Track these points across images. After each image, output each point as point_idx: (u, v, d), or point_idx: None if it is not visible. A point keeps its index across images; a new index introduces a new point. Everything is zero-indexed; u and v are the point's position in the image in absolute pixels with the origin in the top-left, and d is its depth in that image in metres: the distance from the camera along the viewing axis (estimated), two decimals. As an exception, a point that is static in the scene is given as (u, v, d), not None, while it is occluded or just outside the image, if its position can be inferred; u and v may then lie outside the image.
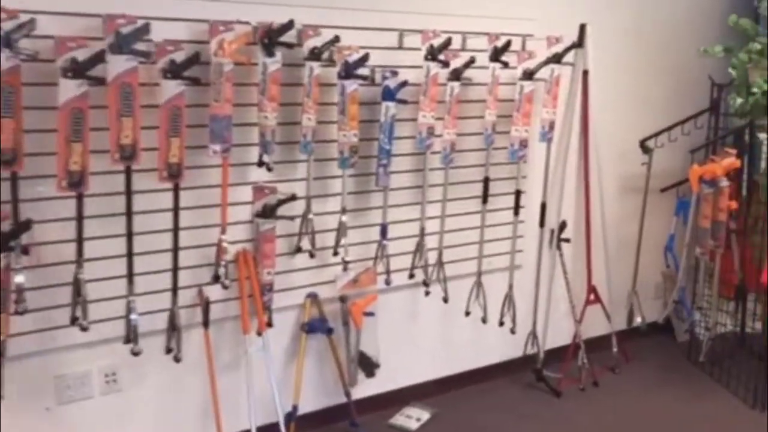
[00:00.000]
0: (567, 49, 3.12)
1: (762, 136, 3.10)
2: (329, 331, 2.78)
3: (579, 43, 3.41)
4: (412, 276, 2.98)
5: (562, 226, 3.47)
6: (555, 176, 3.48)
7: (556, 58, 3.09)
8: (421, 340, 3.22)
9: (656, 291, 3.94)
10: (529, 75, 3.01)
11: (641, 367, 3.69)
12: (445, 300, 3.06)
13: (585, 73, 3.45)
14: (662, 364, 3.72)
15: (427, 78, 2.76)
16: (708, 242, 3.19)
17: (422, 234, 2.95)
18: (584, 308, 3.57)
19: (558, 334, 3.57)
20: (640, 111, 3.72)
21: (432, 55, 2.75)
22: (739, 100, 3.09)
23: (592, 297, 3.60)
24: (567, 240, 3.48)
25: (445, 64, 2.80)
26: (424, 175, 2.92)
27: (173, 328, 2.45)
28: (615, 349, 3.62)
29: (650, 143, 3.55)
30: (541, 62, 3.04)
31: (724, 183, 3.11)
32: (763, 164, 3.56)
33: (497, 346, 3.43)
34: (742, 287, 3.55)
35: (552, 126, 3.17)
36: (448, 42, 2.78)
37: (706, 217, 3.16)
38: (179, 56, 2.29)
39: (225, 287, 2.53)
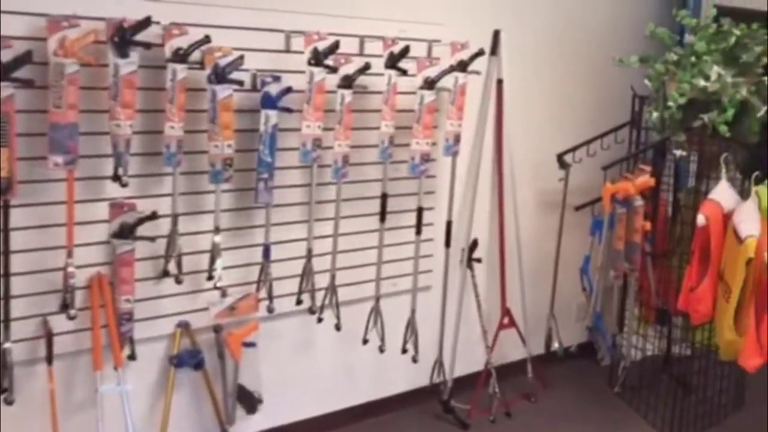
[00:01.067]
0: (473, 56, 2.89)
1: (678, 152, 2.91)
2: (197, 365, 2.49)
3: (493, 51, 3.21)
4: (299, 302, 2.71)
5: (473, 245, 3.25)
6: (466, 192, 3.26)
7: (461, 66, 2.86)
8: (314, 371, 2.95)
9: (578, 312, 3.73)
10: (430, 84, 2.77)
11: (559, 394, 3.48)
12: (338, 328, 2.79)
13: (499, 82, 3.25)
14: (581, 391, 3.52)
15: (311, 84, 2.50)
16: (622, 265, 2.99)
17: (309, 255, 2.68)
18: (497, 332, 3.34)
19: (471, 361, 3.34)
20: (558, 123, 3.53)
21: (316, 59, 2.49)
22: (656, 114, 2.91)
23: (506, 320, 3.38)
24: (478, 260, 3.26)
25: (333, 69, 2.54)
26: (311, 190, 2.65)
27: (5, 366, 2.13)
28: (530, 376, 3.41)
29: (568, 158, 3.35)
30: (443, 70, 2.80)
31: (639, 202, 2.92)
32: (691, 181, 3.39)
33: (402, 375, 3.18)
34: (664, 311, 3.37)
35: (458, 139, 2.94)
36: (335, 46, 2.53)
37: (619, 239, 2.97)
38: (6, 55, 1.99)
39: (70, 317, 2.23)
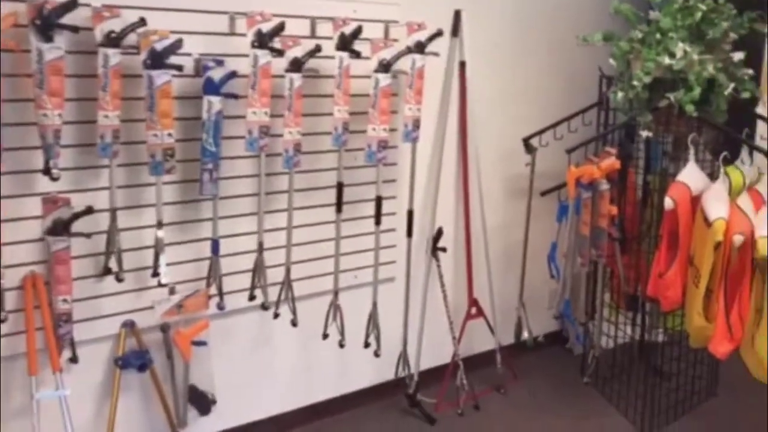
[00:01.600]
0: (431, 37, 2.77)
1: (645, 133, 2.81)
2: (141, 367, 2.37)
3: (454, 32, 3.09)
4: (252, 298, 2.59)
5: (438, 234, 3.14)
6: (430, 179, 3.15)
7: (419, 48, 2.74)
8: (271, 369, 2.84)
9: (550, 300, 3.64)
10: (385, 66, 2.65)
11: (529, 385, 3.39)
12: (294, 323, 2.68)
13: (462, 64, 3.13)
14: (553, 381, 3.43)
15: (256, 68, 2.37)
16: (588, 251, 2.90)
17: (261, 249, 2.56)
18: (464, 323, 3.25)
19: (438, 353, 3.24)
20: (524, 106, 3.42)
21: (260, 42, 2.36)
22: (621, 94, 2.80)
23: (473, 311, 3.28)
24: (443, 249, 3.15)
25: (279, 52, 2.41)
26: (260, 180, 2.53)
27: (-71, 374, 2.01)
28: (499, 366, 3.32)
29: (534, 142, 3.24)
30: (399, 52, 2.68)
31: (604, 186, 2.82)
32: (663, 163, 3.29)
33: (366, 370, 3.07)
34: (635, 297, 3.28)
35: (417, 124, 2.82)
36: (279, 27, 2.40)
37: (585, 224, 2.87)
38: None
39: (0, 320, 2.10)
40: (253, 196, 2.59)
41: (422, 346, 3.14)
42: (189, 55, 2.36)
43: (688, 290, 2.72)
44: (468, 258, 3.30)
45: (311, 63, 2.55)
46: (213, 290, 2.53)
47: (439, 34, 2.79)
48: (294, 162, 2.56)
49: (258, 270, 2.55)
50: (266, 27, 2.38)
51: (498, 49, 3.31)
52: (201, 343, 2.50)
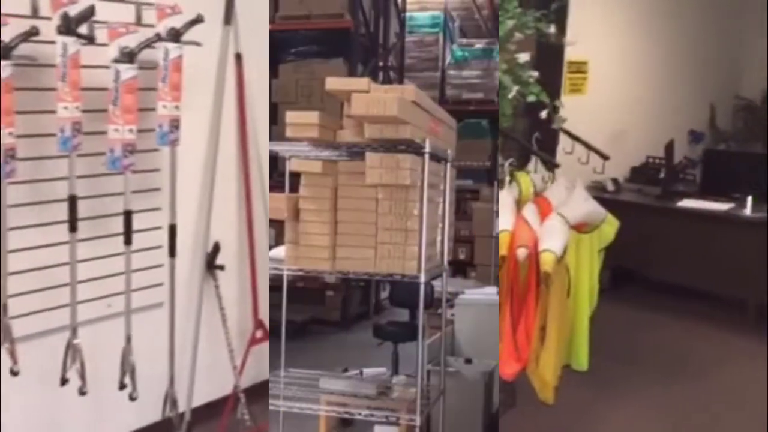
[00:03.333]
0: (189, 24, 2.37)
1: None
2: None
3: (227, 19, 2.72)
4: (-49, 344, 2.06)
5: (215, 249, 2.76)
6: (203, 188, 2.76)
7: (173, 35, 2.32)
8: (-6, 425, 2.31)
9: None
10: (129, 56, 2.21)
11: (325, 410, 3.11)
12: (13, 372, 2.17)
13: (238, 56, 2.76)
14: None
15: (-68, 54, 1.85)
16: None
17: (-43, 283, 2.04)
18: (248, 348, 2.89)
19: (221, 383, 2.87)
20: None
21: (-62, 19, 1.84)
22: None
23: (259, 333, 2.93)
24: (221, 267, 2.77)
25: (-31, 33, 1.91)
26: (-50, 197, 2.00)
27: None
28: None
29: (322, 144, 2.95)
30: (146, 39, 2.26)
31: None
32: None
33: (127, 412, 2.62)
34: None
35: (176, 124, 2.41)
36: (-32, 1, 1.89)
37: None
38: None
39: None
40: (-48, 214, 2.05)
41: (197, 379, 2.75)
42: None
43: (478, 306, 2.56)
44: (252, 274, 2.94)
45: (26, 49, 2.06)
46: None
47: (198, 20, 2.39)
48: (7, 171, 2.05)
49: (-46, 309, 2.02)
50: (-52, 0, 1.86)
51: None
52: None
